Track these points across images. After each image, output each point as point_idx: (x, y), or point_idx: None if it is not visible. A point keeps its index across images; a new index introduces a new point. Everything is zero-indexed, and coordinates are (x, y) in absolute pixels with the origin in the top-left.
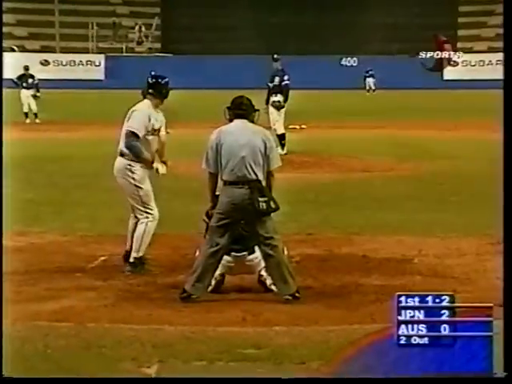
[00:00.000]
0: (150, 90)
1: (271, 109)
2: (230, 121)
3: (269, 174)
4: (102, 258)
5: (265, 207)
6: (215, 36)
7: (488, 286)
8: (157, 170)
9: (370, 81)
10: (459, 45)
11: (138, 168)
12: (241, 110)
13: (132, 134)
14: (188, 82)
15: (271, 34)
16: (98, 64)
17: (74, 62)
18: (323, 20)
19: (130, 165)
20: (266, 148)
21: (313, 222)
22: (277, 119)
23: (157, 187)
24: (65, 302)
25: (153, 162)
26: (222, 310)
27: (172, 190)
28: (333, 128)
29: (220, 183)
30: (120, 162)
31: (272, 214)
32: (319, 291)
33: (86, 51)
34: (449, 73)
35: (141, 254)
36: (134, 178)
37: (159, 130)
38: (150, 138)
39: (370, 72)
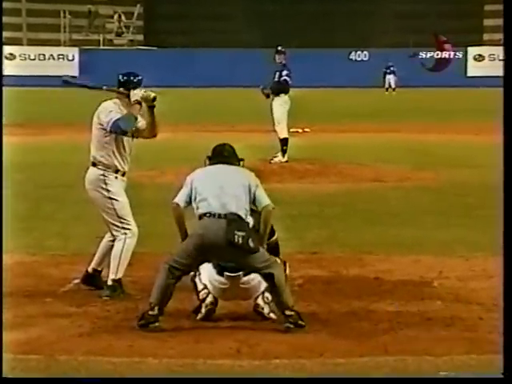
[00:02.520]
0: (121, 89)
1: (275, 107)
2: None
3: (260, 214)
4: (76, 281)
5: (241, 242)
6: (206, 26)
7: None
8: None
9: (391, 78)
10: (486, 36)
11: (112, 179)
12: (223, 157)
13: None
14: (175, 79)
15: (269, 24)
16: (71, 58)
17: (44, 55)
18: (329, 8)
19: (103, 175)
20: (250, 186)
21: (318, 239)
22: (279, 120)
23: (138, 199)
24: (33, 331)
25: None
26: (213, 340)
27: (156, 203)
28: (340, 132)
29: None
30: (92, 172)
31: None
32: (325, 318)
33: (57, 43)
34: (473, 69)
35: (119, 276)
36: (108, 190)
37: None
38: (123, 138)
39: (391, 68)
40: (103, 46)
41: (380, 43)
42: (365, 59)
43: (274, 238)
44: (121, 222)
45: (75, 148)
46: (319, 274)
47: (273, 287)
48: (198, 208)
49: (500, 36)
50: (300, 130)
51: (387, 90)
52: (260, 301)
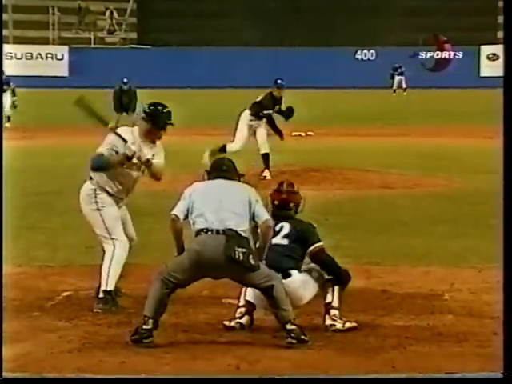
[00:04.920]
0: (143, 116)
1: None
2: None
3: (258, 228)
4: (65, 294)
5: (241, 258)
6: (203, 24)
7: None
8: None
9: (401, 79)
10: (500, 34)
11: (103, 195)
12: (222, 171)
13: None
14: (171, 79)
15: (270, 21)
16: (60, 57)
17: (31, 54)
18: (334, 4)
19: (94, 190)
20: (250, 202)
21: None
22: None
23: (131, 207)
24: (20, 347)
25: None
26: (211, 356)
27: (150, 212)
28: (346, 135)
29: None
30: (85, 187)
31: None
32: (329, 333)
33: (45, 42)
34: (487, 69)
35: (110, 288)
36: (96, 202)
37: (144, 162)
38: (126, 170)
39: (400, 70)
40: (94, 44)
41: (388, 41)
42: (371, 58)
43: (316, 245)
44: (109, 233)
45: (64, 153)
46: None
47: (272, 300)
48: (194, 223)
49: None
50: (303, 134)
51: (394, 91)
52: (329, 321)
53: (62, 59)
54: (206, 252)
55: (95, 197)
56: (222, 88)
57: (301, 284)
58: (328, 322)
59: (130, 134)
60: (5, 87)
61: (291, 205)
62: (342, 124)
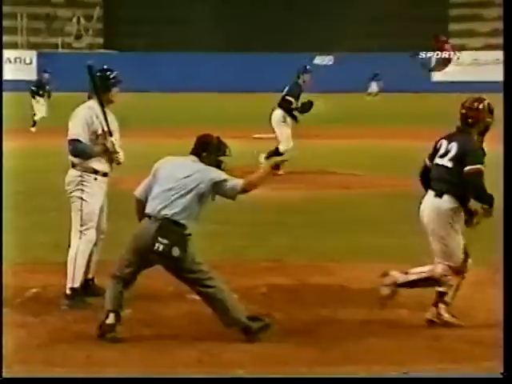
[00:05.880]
0: (92, 87)
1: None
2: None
3: (233, 198)
4: (34, 290)
5: (160, 249)
6: (168, 30)
7: (491, 322)
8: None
9: (374, 84)
10: (451, 41)
11: (90, 180)
12: (198, 148)
13: (73, 142)
14: (137, 83)
15: (233, 27)
16: (28, 62)
17: None
18: (294, 11)
19: (81, 176)
20: (211, 188)
21: (281, 246)
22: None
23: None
24: None
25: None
26: (174, 349)
27: (117, 210)
28: (306, 137)
29: None
30: (70, 173)
31: (232, 237)
32: (289, 327)
33: (14, 47)
34: (439, 74)
35: (76, 285)
36: (82, 191)
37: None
38: (103, 142)
39: (377, 76)
40: (62, 49)
41: (345, 47)
42: (330, 63)
43: (475, 166)
44: (81, 225)
45: (32, 154)
46: (282, 282)
47: (213, 303)
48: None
49: (465, 41)
50: (264, 136)
51: (369, 94)
52: (443, 311)
53: (30, 63)
54: (139, 238)
55: (83, 184)
56: (187, 91)
57: (447, 212)
58: (442, 312)
59: (86, 109)
60: (40, 91)
61: (469, 121)
62: (300, 126)
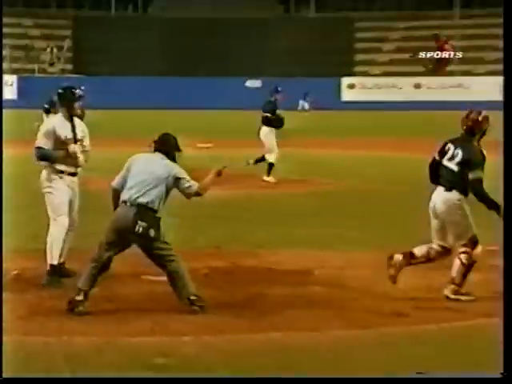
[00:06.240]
0: (59, 101)
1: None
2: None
3: (188, 196)
4: (15, 272)
5: (141, 231)
6: (125, 57)
7: (386, 295)
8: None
9: (305, 102)
10: (356, 69)
11: (56, 177)
12: (161, 145)
13: (37, 149)
14: (100, 101)
15: (181, 56)
16: (10, 84)
17: None
18: (228, 43)
19: (49, 175)
20: (172, 181)
21: (220, 236)
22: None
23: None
24: None
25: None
26: (132, 321)
27: (83, 207)
28: (240, 146)
29: None
30: (42, 174)
31: (181, 228)
32: (226, 302)
33: None
34: (347, 94)
35: (54, 262)
36: (49, 186)
37: (80, 140)
38: (65, 148)
39: (307, 96)
40: (38, 73)
41: (271, 73)
42: (258, 86)
43: (476, 175)
44: (53, 213)
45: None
46: (221, 265)
47: (174, 277)
48: (122, 193)
49: (367, 68)
50: (205, 145)
51: (300, 111)
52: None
53: (11, 85)
54: (119, 222)
55: (50, 181)
56: (139, 109)
57: (455, 202)
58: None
59: (52, 120)
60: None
61: (475, 131)
62: (236, 137)
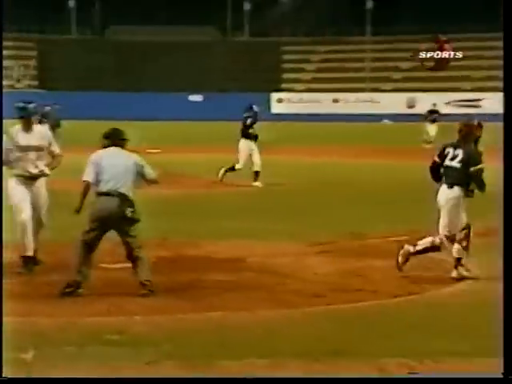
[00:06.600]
0: (17, 114)
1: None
2: (105, 147)
3: (149, 182)
4: None
5: (130, 215)
6: (82, 75)
7: (308, 279)
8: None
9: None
10: (283, 85)
11: (16, 181)
12: (114, 140)
13: None
14: (61, 113)
15: (127, 73)
16: None
17: None
18: (175, 64)
19: (11, 178)
20: (137, 168)
21: (166, 229)
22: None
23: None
24: None
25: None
26: (91, 303)
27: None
28: (184, 152)
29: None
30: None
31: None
32: (171, 286)
33: None
34: (276, 107)
35: (24, 254)
36: (12, 187)
37: (39, 146)
38: (22, 154)
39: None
40: (7, 89)
41: (210, 88)
42: (199, 100)
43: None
44: (17, 210)
45: None
46: (167, 254)
47: (137, 261)
48: (98, 186)
49: (293, 85)
50: (153, 151)
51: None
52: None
53: None
54: (104, 210)
55: (12, 183)
56: (92, 119)
57: (456, 199)
58: (461, 270)
59: (8, 130)
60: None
61: (471, 136)
62: (180, 144)
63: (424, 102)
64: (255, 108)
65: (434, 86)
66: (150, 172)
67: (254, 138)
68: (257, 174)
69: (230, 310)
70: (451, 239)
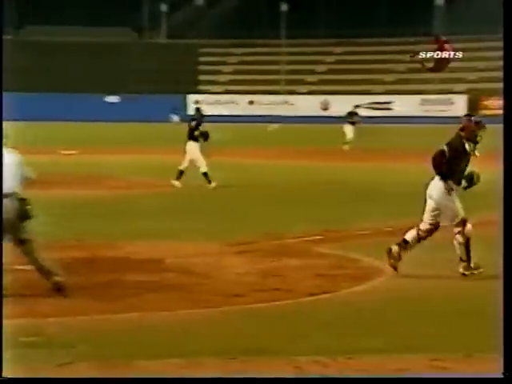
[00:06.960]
0: None
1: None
2: None
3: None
4: None
5: (29, 214)
6: (52, 77)
7: (227, 279)
8: None
9: (176, 116)
10: (200, 87)
11: None
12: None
13: None
14: (24, 115)
15: (46, 74)
16: None
17: None
18: (92, 65)
19: None
20: (21, 167)
21: (82, 230)
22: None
23: None
24: None
25: None
26: (7, 306)
27: None
28: (100, 153)
29: None
30: None
31: (49, 225)
32: (87, 287)
33: None
34: (208, 109)
35: None
36: None
37: None
38: None
39: (176, 111)
40: None
41: (127, 90)
42: (116, 101)
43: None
44: None
45: None
46: (82, 255)
47: (30, 255)
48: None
49: (209, 87)
50: (68, 152)
51: (176, 123)
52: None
53: None
54: (8, 213)
55: None
56: (61, 120)
57: (441, 189)
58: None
59: None
60: None
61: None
62: (96, 146)
63: (337, 104)
64: (201, 110)
65: (348, 89)
66: (28, 170)
67: (204, 138)
68: (206, 175)
69: (149, 310)
70: (435, 227)
